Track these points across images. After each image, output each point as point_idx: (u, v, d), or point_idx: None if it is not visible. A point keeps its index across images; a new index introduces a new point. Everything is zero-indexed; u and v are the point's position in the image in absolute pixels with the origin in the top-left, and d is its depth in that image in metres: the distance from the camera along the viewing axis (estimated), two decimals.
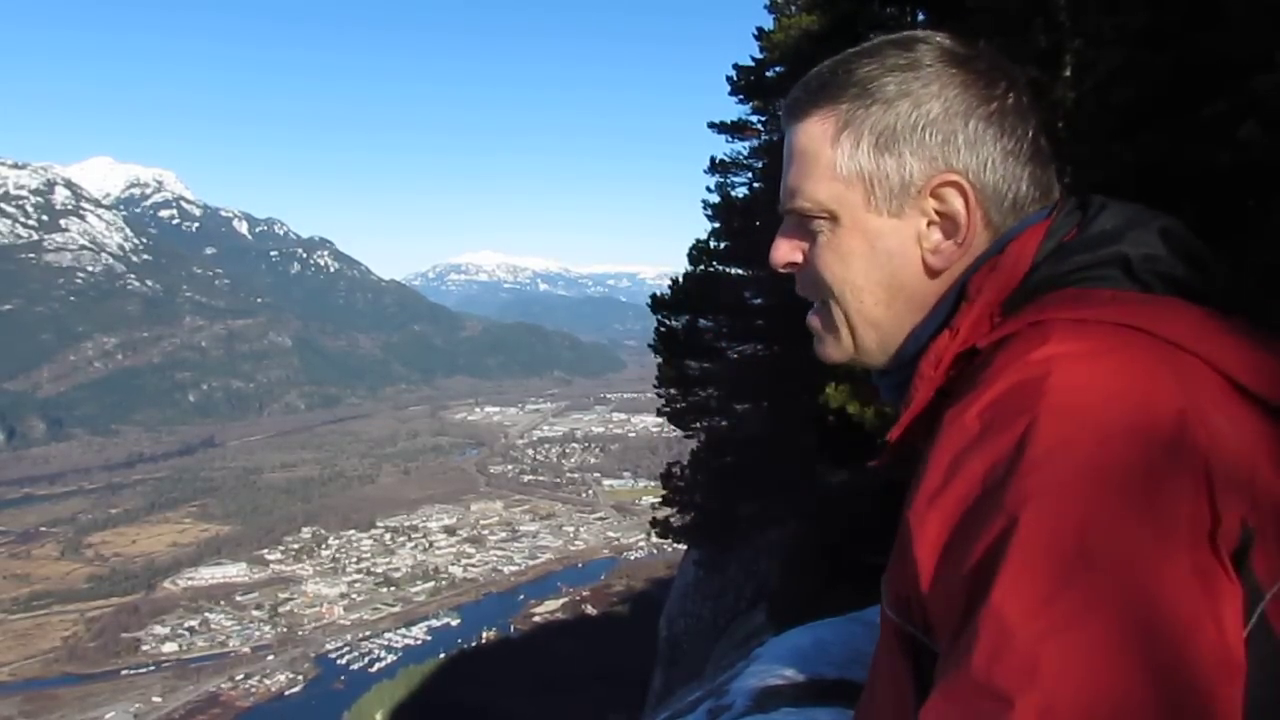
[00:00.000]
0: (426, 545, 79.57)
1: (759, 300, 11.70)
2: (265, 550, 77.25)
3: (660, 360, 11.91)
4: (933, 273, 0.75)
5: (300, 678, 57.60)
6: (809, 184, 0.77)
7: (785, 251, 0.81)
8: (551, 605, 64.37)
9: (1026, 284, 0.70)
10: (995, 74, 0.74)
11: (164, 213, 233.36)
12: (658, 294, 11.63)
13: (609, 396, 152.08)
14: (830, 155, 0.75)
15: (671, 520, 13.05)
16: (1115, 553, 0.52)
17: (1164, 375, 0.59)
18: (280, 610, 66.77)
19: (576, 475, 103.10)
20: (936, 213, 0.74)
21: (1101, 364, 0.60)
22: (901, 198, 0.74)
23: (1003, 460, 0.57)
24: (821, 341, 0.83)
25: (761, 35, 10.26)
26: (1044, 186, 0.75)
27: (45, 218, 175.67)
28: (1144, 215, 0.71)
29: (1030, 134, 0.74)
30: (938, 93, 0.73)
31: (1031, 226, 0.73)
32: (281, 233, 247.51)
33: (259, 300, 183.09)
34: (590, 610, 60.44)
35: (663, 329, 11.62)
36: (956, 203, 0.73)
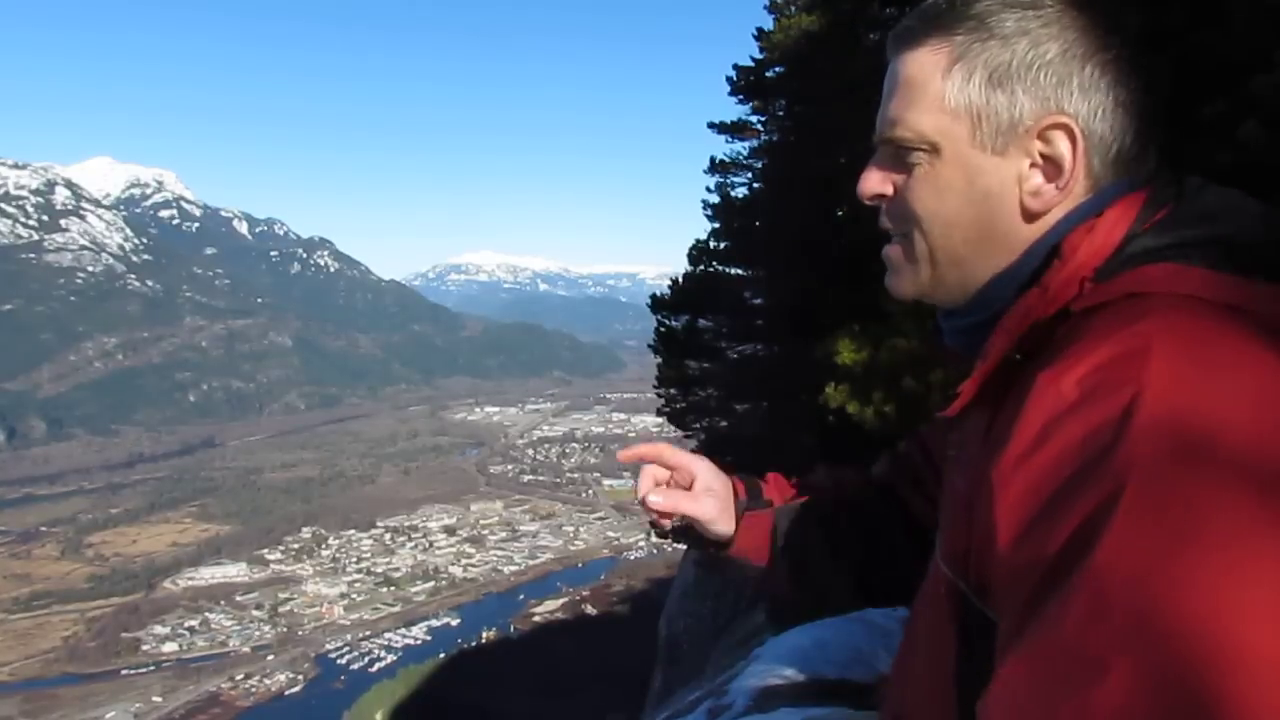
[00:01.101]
0: (426, 545, 79.59)
1: (759, 300, 11.70)
2: (265, 550, 77.27)
3: (660, 360, 11.90)
4: (1029, 215, 0.74)
5: (300, 677, 57.59)
6: (913, 114, 0.75)
7: (876, 182, 0.80)
8: (551, 605, 64.31)
9: (1123, 252, 0.68)
10: (1115, 23, 0.72)
11: (164, 213, 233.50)
12: (658, 294, 11.62)
13: (609, 396, 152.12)
14: (940, 86, 0.74)
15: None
16: (1223, 527, 0.50)
17: (1267, 356, 0.59)
18: (280, 610, 66.79)
19: (576, 475, 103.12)
20: (1041, 155, 0.73)
21: (1205, 342, 0.59)
22: (1008, 136, 0.73)
23: (1106, 428, 0.56)
24: (898, 273, 0.81)
25: (761, 35, 10.24)
26: (1145, 144, 0.73)
27: (45, 218, 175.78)
28: (1246, 200, 0.70)
29: (1142, 89, 0.73)
30: (1057, 34, 0.71)
31: (1132, 193, 0.72)
32: (281, 233, 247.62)
33: (259, 300, 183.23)
34: (590, 610, 60.38)
35: (663, 329, 11.62)
36: (1063, 146, 0.71)
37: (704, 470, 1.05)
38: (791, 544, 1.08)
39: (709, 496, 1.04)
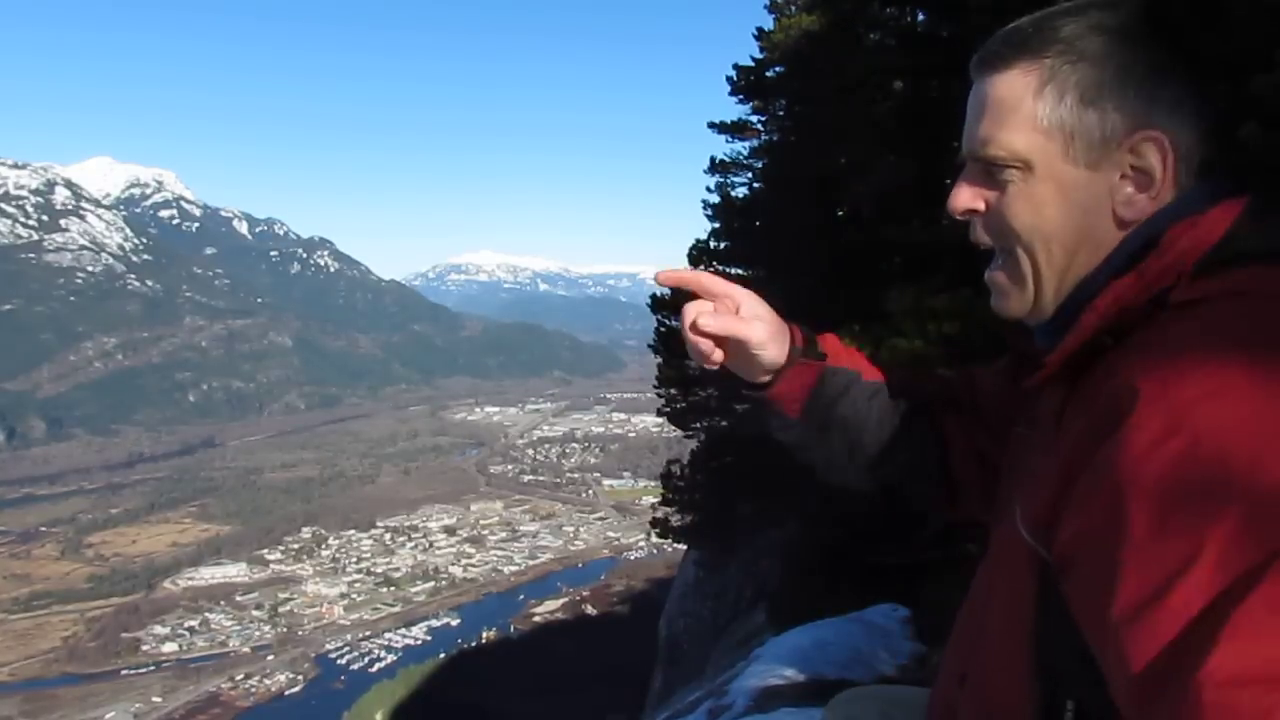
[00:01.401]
0: (426, 545, 79.60)
1: None
2: (265, 550, 77.27)
3: (660, 360, 11.91)
4: (1122, 224, 0.77)
5: (300, 678, 57.62)
6: (1005, 133, 0.79)
7: (967, 198, 0.84)
8: (551, 605, 64.35)
9: (1222, 250, 0.70)
10: (1195, 42, 0.77)
11: (164, 213, 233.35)
12: (658, 294, 11.61)
13: (609, 396, 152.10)
14: (1032, 106, 0.77)
15: (671, 520, 13.04)
16: None
17: None
18: (280, 610, 66.80)
19: (576, 475, 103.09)
20: (1132, 167, 0.76)
21: None
22: (1101, 151, 0.76)
23: (1248, 424, 0.57)
24: (1005, 295, 0.84)
25: (761, 35, 10.25)
26: (1218, 153, 0.78)
27: (45, 218, 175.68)
28: None
29: (1218, 101, 0.78)
30: (1143, 55, 0.75)
31: (1231, 198, 0.75)
32: (281, 233, 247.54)
33: (259, 300, 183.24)
34: (590, 610, 60.44)
35: (663, 329, 11.61)
36: (1153, 158, 0.75)
37: (749, 298, 1.01)
38: (828, 405, 1.09)
39: (758, 321, 0.99)
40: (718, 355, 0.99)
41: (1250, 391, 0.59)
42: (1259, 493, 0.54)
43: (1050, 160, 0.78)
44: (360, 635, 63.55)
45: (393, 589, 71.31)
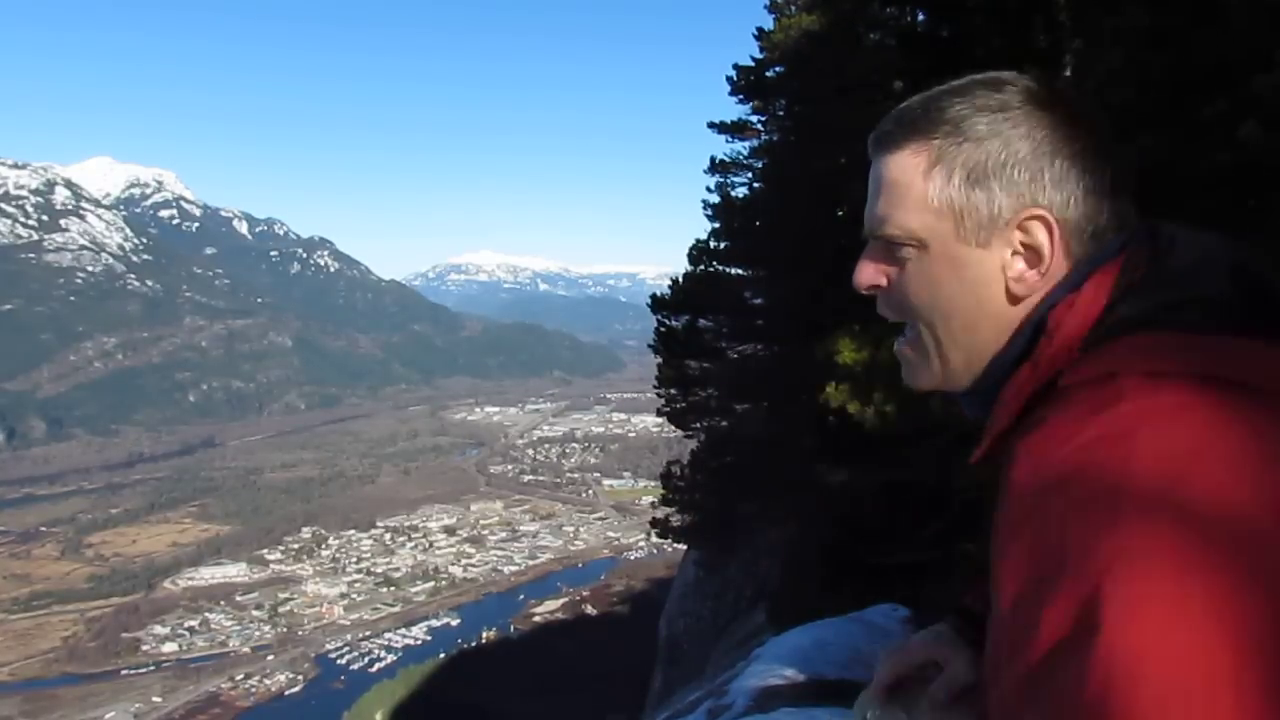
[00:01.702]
0: (426, 545, 79.61)
1: (759, 300, 11.71)
2: (265, 550, 77.28)
3: (660, 360, 11.91)
4: (1015, 300, 0.79)
5: (300, 678, 57.63)
6: (900, 213, 0.81)
7: (870, 274, 0.86)
8: (551, 605, 64.40)
9: (1103, 322, 0.72)
10: (1079, 116, 0.79)
11: (164, 213, 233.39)
12: (658, 294, 11.62)
13: (609, 396, 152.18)
14: (922, 187, 0.80)
15: (671, 520, 13.04)
16: (1210, 607, 0.53)
17: (1243, 432, 0.61)
18: (280, 610, 66.80)
19: (576, 475, 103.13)
20: (1021, 244, 0.78)
21: (1181, 425, 0.62)
22: (989, 229, 0.78)
23: (1088, 511, 0.60)
24: (914, 369, 0.87)
25: (761, 35, 10.26)
26: (1122, 217, 0.79)
27: (45, 218, 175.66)
28: (1216, 250, 0.74)
29: (1110, 171, 0.78)
30: (1026, 134, 0.77)
31: (1107, 264, 0.75)
32: (281, 233, 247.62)
33: (259, 300, 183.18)
34: (590, 610, 60.50)
35: (663, 329, 11.62)
36: (1041, 235, 0.77)
37: (939, 647, 1.03)
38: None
39: (959, 682, 1.02)
40: None
41: (1100, 482, 0.61)
42: (1087, 574, 0.57)
43: (943, 239, 0.80)
44: (360, 635, 63.54)
45: (393, 589, 71.30)
